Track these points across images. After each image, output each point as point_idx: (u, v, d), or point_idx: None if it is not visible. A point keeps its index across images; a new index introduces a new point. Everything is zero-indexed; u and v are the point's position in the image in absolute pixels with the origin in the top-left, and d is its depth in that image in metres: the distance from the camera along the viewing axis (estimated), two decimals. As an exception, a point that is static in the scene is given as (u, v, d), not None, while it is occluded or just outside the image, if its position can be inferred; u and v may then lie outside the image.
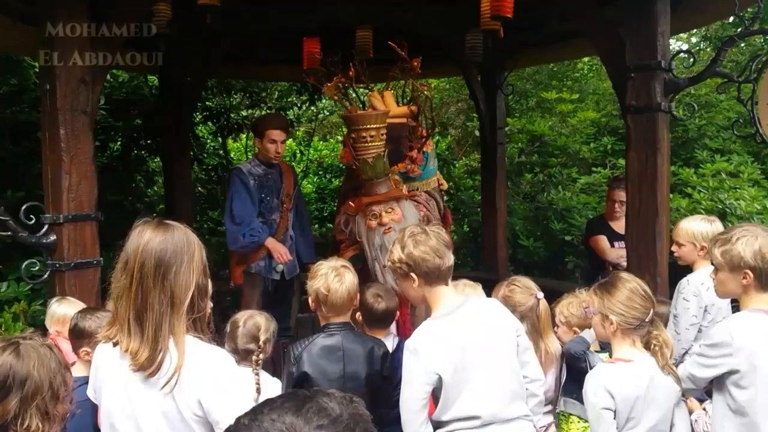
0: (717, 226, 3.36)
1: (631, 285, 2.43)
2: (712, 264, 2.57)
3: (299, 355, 2.62)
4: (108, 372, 1.76)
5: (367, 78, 4.31)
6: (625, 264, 4.10)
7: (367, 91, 4.53)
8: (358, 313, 3.06)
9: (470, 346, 2.35)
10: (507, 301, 2.85)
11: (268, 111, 9.19)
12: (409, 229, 2.45)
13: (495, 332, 2.40)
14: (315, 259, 4.21)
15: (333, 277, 2.64)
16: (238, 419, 0.92)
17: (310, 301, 2.71)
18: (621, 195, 4.62)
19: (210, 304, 1.80)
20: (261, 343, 2.65)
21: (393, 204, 3.87)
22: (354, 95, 4.63)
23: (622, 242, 4.32)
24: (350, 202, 4.04)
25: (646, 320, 2.40)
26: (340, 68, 4.22)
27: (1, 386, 1.62)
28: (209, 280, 1.79)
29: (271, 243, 4.34)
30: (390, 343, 3.11)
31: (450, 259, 2.39)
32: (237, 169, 4.57)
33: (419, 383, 2.32)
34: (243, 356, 2.64)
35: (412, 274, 2.37)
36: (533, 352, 2.57)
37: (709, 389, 2.61)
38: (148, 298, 1.65)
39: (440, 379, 2.32)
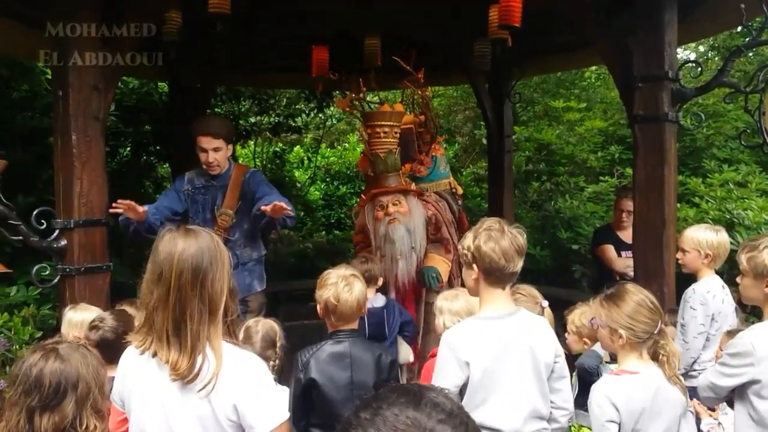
0: (722, 236, 3.37)
1: (637, 297, 2.41)
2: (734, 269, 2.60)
3: (307, 362, 2.64)
4: (140, 380, 1.75)
5: (377, 86, 4.41)
6: (632, 274, 4.10)
7: (378, 102, 4.64)
8: None
9: (505, 357, 2.35)
10: None
11: (277, 118, 9.22)
12: (488, 222, 2.42)
13: (534, 350, 2.38)
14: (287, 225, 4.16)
15: (343, 287, 2.64)
16: (357, 414, 0.92)
17: (318, 309, 2.73)
18: (628, 204, 4.61)
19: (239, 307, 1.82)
20: (278, 348, 2.67)
21: (400, 197, 4.01)
22: (367, 108, 4.71)
23: (630, 251, 4.32)
24: (363, 195, 4.23)
25: (655, 332, 2.40)
26: (354, 84, 4.30)
27: (56, 392, 1.63)
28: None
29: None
30: (380, 301, 3.62)
31: (516, 265, 2.36)
32: (182, 174, 4.21)
33: (450, 376, 2.33)
34: None
35: (475, 266, 2.37)
36: (568, 382, 2.54)
37: (731, 398, 2.61)
38: (187, 309, 1.65)
39: (469, 377, 2.33)
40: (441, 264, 4.09)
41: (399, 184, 4.05)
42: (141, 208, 3.68)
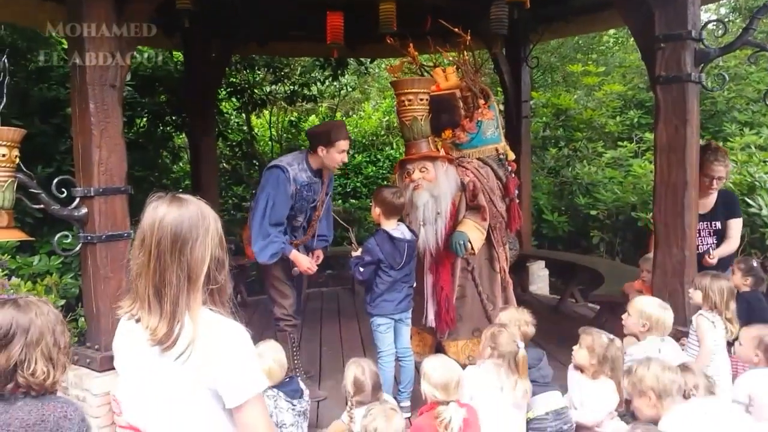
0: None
1: None
2: None
3: None
4: (127, 345, 1.79)
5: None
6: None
7: (433, 66, 4.62)
8: (377, 210, 3.68)
9: None
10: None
11: (292, 86, 9.21)
12: None
13: None
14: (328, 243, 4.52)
15: (381, 420, 2.68)
16: None
17: None
18: (720, 170, 4.16)
19: (231, 283, 1.81)
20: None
21: (427, 164, 3.98)
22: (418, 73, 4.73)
23: (705, 222, 4.18)
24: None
25: None
26: (401, 48, 4.30)
27: (5, 335, 1.76)
28: (225, 253, 1.79)
29: (294, 255, 4.10)
30: (409, 235, 3.76)
31: None
32: (281, 168, 4.05)
33: None
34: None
35: None
36: None
37: None
38: (165, 275, 1.66)
39: None
40: (473, 230, 4.03)
41: (429, 150, 4.03)
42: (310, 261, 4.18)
